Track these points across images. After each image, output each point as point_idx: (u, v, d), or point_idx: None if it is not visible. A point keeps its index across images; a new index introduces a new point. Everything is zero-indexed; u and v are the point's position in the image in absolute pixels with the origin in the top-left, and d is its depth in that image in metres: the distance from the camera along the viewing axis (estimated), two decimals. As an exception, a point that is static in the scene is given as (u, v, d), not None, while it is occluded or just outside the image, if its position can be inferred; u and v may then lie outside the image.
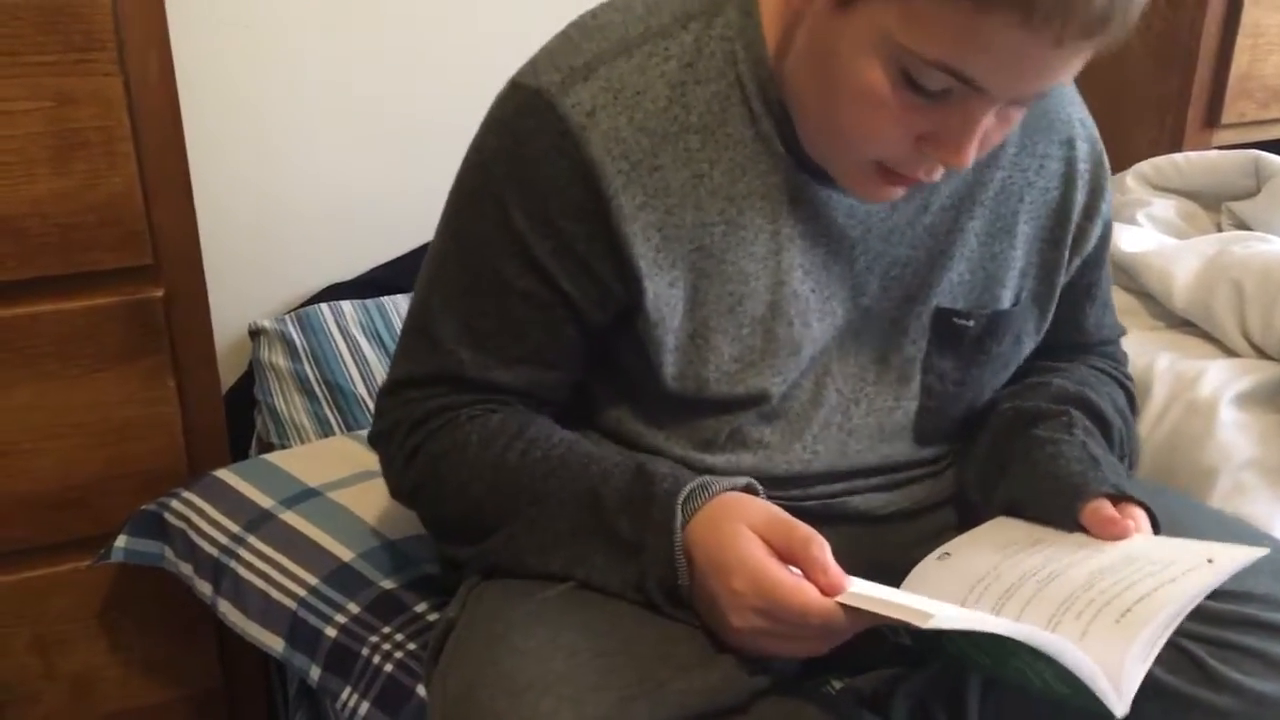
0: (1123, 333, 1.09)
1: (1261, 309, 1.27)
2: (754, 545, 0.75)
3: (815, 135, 0.82)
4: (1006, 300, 0.94)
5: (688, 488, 0.79)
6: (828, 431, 0.92)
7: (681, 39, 0.83)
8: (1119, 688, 0.68)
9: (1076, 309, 1.01)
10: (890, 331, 0.92)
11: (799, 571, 0.74)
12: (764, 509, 0.78)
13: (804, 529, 0.76)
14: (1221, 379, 1.23)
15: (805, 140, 0.83)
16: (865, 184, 0.82)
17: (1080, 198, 0.94)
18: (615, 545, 0.81)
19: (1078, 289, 1.00)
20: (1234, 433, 1.19)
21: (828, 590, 0.72)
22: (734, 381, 0.88)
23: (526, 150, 0.82)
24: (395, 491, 0.95)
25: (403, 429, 0.90)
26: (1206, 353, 1.31)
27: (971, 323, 0.92)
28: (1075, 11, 0.67)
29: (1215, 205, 1.57)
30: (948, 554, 0.87)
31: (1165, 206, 1.55)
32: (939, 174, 0.80)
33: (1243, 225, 1.51)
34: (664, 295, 0.84)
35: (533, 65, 0.84)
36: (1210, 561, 0.75)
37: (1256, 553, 0.76)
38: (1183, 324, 1.37)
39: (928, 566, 0.86)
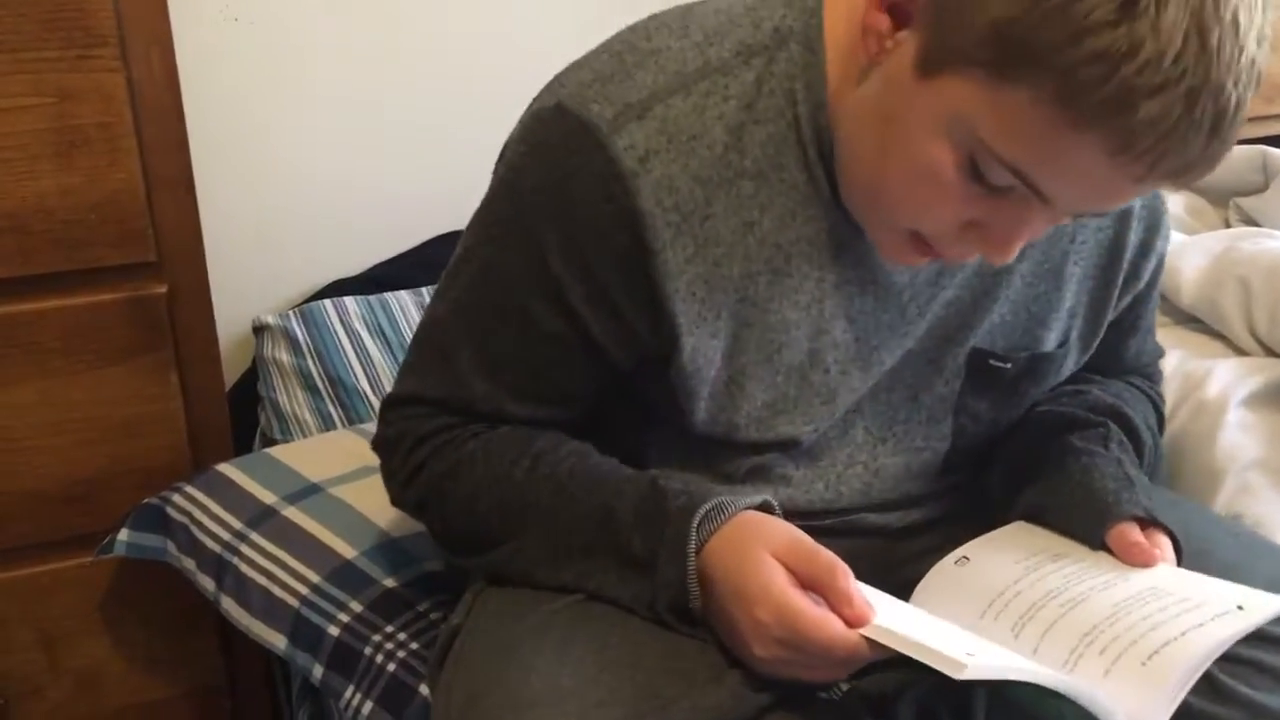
0: (1161, 355, 1.05)
1: (1269, 306, 1.26)
2: (777, 574, 0.73)
3: (857, 189, 0.78)
4: (1050, 342, 0.90)
5: (703, 510, 0.77)
6: (852, 471, 0.90)
7: (743, 77, 0.77)
8: None
9: (1119, 341, 0.98)
10: (925, 370, 0.88)
11: (821, 598, 0.73)
12: (785, 533, 0.76)
13: (827, 556, 0.73)
14: (1229, 379, 1.23)
15: (844, 191, 0.79)
16: (894, 248, 0.78)
17: (1134, 236, 0.90)
18: (627, 563, 0.79)
19: (1124, 324, 0.96)
20: (1241, 433, 1.19)
21: (853, 622, 0.70)
22: (764, 428, 0.85)
23: (571, 190, 0.77)
24: (396, 502, 0.93)
25: (406, 443, 0.88)
26: (1213, 350, 1.31)
27: (1009, 365, 0.89)
28: (1169, 157, 0.64)
29: (1223, 201, 1.56)
30: (966, 559, 0.85)
31: (1173, 202, 1.54)
32: (973, 258, 0.78)
33: (1250, 221, 1.51)
34: (703, 348, 0.81)
35: (580, 90, 0.77)
36: (1240, 609, 0.74)
37: None
38: (1189, 320, 1.36)
39: (944, 570, 0.85)
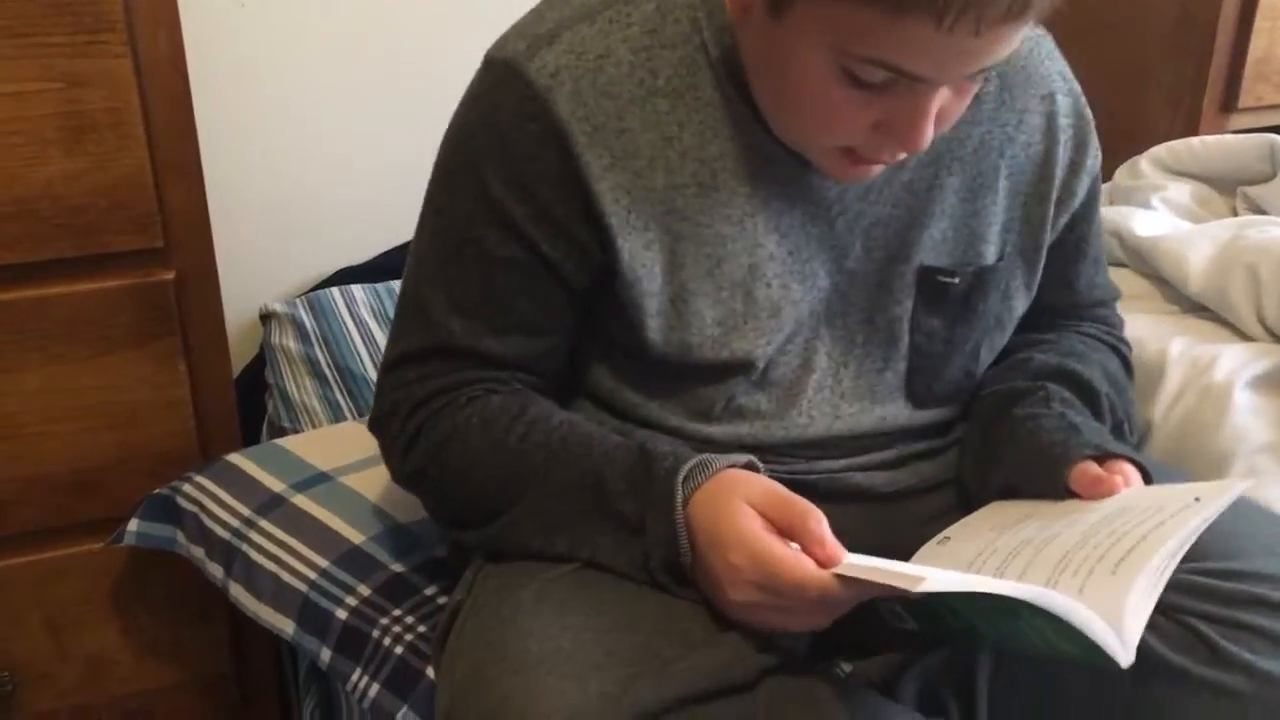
0: (1117, 295, 1.08)
1: (1277, 293, 1.26)
2: (751, 520, 0.76)
3: (775, 120, 0.83)
4: (990, 256, 0.94)
5: (687, 465, 0.80)
6: (820, 396, 0.93)
7: (643, 7, 0.84)
8: (1121, 636, 0.67)
9: (1066, 267, 1.01)
10: (875, 293, 0.92)
11: (798, 546, 0.75)
12: (762, 484, 0.78)
13: (801, 503, 0.76)
14: (1236, 363, 1.22)
15: (769, 122, 0.84)
16: (835, 166, 0.83)
17: (1064, 153, 0.95)
18: (619, 526, 0.81)
19: (1066, 246, 1.00)
20: (1249, 417, 1.18)
21: (824, 562, 0.73)
22: (718, 346, 0.88)
23: (499, 119, 0.84)
24: (396, 476, 0.95)
25: (402, 412, 0.90)
26: (1221, 337, 1.30)
27: (956, 280, 0.92)
28: (986, 5, 0.67)
29: (1231, 190, 1.55)
30: (947, 538, 0.87)
31: (1180, 190, 1.53)
32: (901, 156, 0.81)
33: (1258, 210, 1.50)
34: (640, 256, 0.85)
35: (501, 39, 0.87)
36: (1197, 500, 0.75)
37: (1241, 485, 0.77)
38: (1197, 309, 1.36)
39: (928, 551, 0.86)
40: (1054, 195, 0.95)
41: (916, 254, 0.92)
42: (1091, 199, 0.99)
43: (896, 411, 0.96)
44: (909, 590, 0.66)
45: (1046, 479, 0.85)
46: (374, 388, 0.95)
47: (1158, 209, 1.49)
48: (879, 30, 0.70)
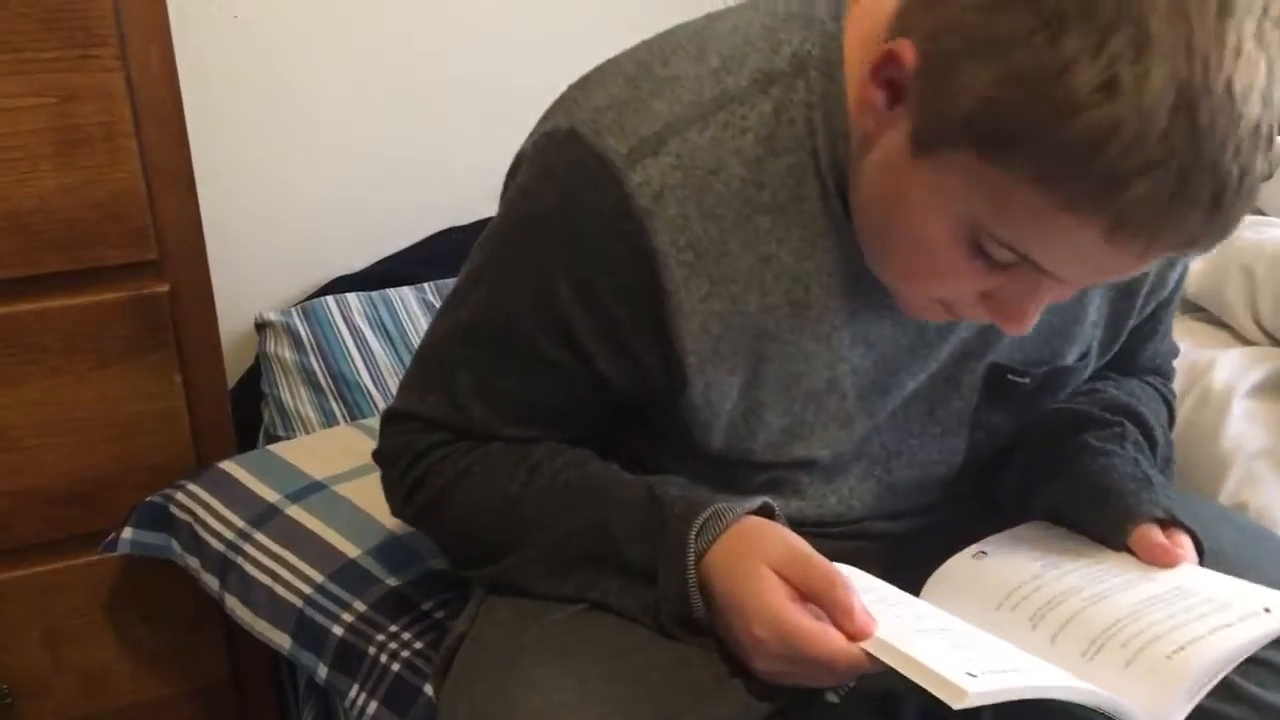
0: (1176, 354, 1.03)
1: (1273, 295, 1.25)
2: (774, 590, 0.72)
3: (871, 254, 0.76)
4: (1071, 355, 0.88)
5: (700, 518, 0.76)
6: (866, 485, 0.89)
7: (761, 107, 0.75)
8: None
9: (1138, 345, 0.96)
10: (942, 387, 0.87)
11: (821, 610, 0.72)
12: (782, 543, 0.75)
13: (823, 566, 0.73)
14: (1234, 369, 1.22)
15: (864, 251, 0.76)
16: (919, 310, 0.76)
17: None
18: (627, 573, 0.78)
19: (1144, 330, 0.94)
20: (1246, 423, 1.18)
21: (854, 636, 0.70)
22: (780, 451, 0.84)
23: (583, 223, 0.74)
24: (397, 514, 0.93)
25: (405, 458, 0.88)
26: (1218, 339, 1.30)
27: (1028, 380, 0.87)
28: (1167, 234, 0.61)
29: (1227, 190, 1.55)
30: (984, 553, 0.85)
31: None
32: (990, 320, 0.74)
33: (1255, 210, 1.50)
34: (717, 384, 0.79)
35: (595, 115, 0.74)
36: (1268, 611, 0.74)
37: None
38: (1193, 310, 1.36)
39: (961, 563, 0.85)
40: (1147, 289, 0.89)
41: (992, 352, 0.86)
42: (1179, 284, 0.93)
43: (937, 495, 0.92)
44: (950, 704, 0.64)
45: (1108, 523, 0.82)
46: (374, 403, 0.93)
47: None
48: (1040, 219, 0.62)
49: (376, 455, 0.92)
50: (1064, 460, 0.88)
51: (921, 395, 0.87)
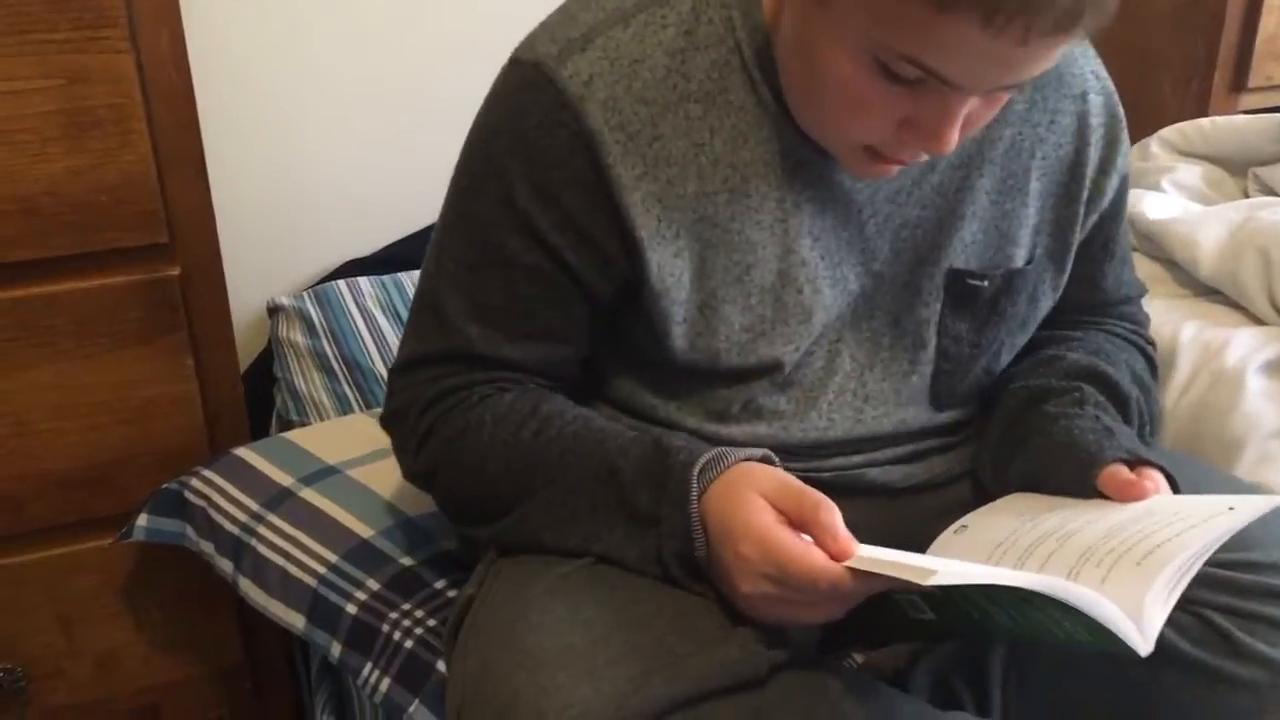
0: (1143, 291, 1.06)
1: (1290, 276, 1.25)
2: (763, 511, 0.75)
3: (803, 115, 0.82)
4: (1020, 259, 0.92)
5: (703, 459, 0.79)
6: (842, 399, 0.91)
7: (679, 7, 0.82)
8: (1141, 626, 0.67)
9: (1094, 266, 1.00)
10: (903, 295, 0.91)
11: (810, 538, 0.74)
12: (775, 476, 0.78)
13: (814, 494, 0.75)
14: (1248, 348, 1.21)
15: (796, 116, 0.82)
16: (857, 163, 0.81)
17: (1095, 153, 0.93)
18: (633, 519, 0.80)
19: (1094, 245, 0.98)
20: (1261, 402, 1.18)
21: (836, 555, 0.72)
22: (746, 352, 0.87)
23: (526, 124, 0.82)
24: (409, 473, 0.94)
25: (415, 410, 0.90)
26: (1233, 321, 1.30)
27: (986, 283, 0.91)
28: (1039, 12, 0.65)
29: (1242, 171, 1.54)
30: (965, 526, 0.86)
31: (1191, 172, 1.52)
32: (923, 157, 0.80)
33: (1269, 191, 1.49)
34: (668, 266, 0.84)
35: (530, 40, 0.84)
36: (1232, 509, 0.74)
37: (1277, 500, 0.75)
38: (1209, 292, 1.35)
39: (946, 539, 0.86)
40: (1084, 195, 0.93)
41: (946, 257, 0.90)
42: (1120, 197, 0.97)
43: (918, 414, 0.94)
44: (920, 584, 0.65)
45: (1075, 477, 0.84)
46: (385, 385, 0.94)
47: (1168, 191, 1.48)
48: (922, 25, 0.67)
49: (384, 418, 0.94)
50: (1028, 434, 0.90)
51: (884, 306, 0.90)
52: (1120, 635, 0.66)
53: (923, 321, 0.92)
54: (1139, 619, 0.67)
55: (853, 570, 0.71)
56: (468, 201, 0.87)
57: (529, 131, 0.82)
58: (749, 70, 0.82)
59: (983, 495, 0.95)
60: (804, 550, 0.72)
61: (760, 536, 0.74)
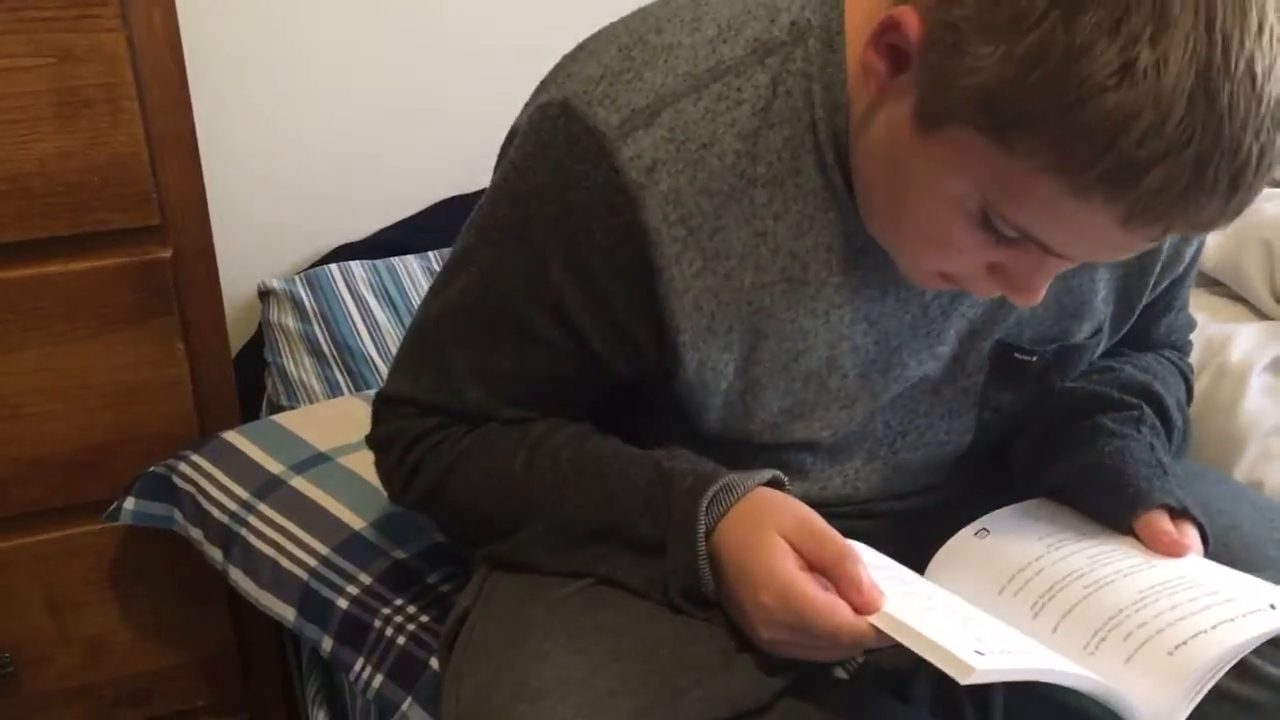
0: (1193, 327, 1.01)
1: (1294, 271, 1.24)
2: (783, 557, 0.71)
3: (879, 231, 0.75)
4: (1082, 333, 0.86)
5: (710, 491, 0.75)
6: (872, 465, 0.87)
7: (757, 78, 0.72)
8: None
9: (1152, 321, 0.94)
10: (948, 365, 0.85)
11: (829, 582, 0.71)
12: (794, 512, 0.74)
13: (836, 541, 0.72)
14: (1252, 344, 1.21)
15: (866, 222, 0.75)
16: (927, 280, 0.75)
17: None
18: (636, 548, 0.78)
19: (1158, 305, 0.92)
20: (1263, 399, 1.17)
21: (861, 610, 0.69)
22: (780, 432, 0.82)
23: (574, 199, 0.73)
24: (396, 502, 0.92)
25: (400, 444, 0.86)
26: (1235, 314, 1.29)
27: (1034, 358, 0.85)
28: (1183, 219, 0.60)
29: (1246, 163, 1.53)
30: (985, 530, 0.84)
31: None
32: (998, 293, 0.73)
33: (1274, 182, 1.48)
34: (711, 361, 0.78)
35: (586, 87, 0.73)
36: (1273, 607, 0.72)
37: None
38: (1211, 283, 1.34)
39: (963, 541, 0.84)
40: (1159, 265, 0.86)
41: (998, 329, 0.84)
42: (1195, 258, 0.90)
43: (945, 476, 0.91)
44: (956, 679, 0.63)
45: (1115, 507, 0.81)
46: (378, 373, 0.92)
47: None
48: (1050, 204, 0.61)
49: (370, 440, 0.91)
50: (1077, 440, 0.86)
51: (926, 375, 0.85)
52: None
53: (964, 391, 0.86)
54: (1162, 716, 0.67)
55: (876, 628, 0.69)
56: (492, 256, 0.79)
57: (576, 206, 0.73)
58: (822, 151, 0.73)
59: (999, 501, 0.93)
60: (828, 605, 0.69)
61: (783, 588, 0.70)
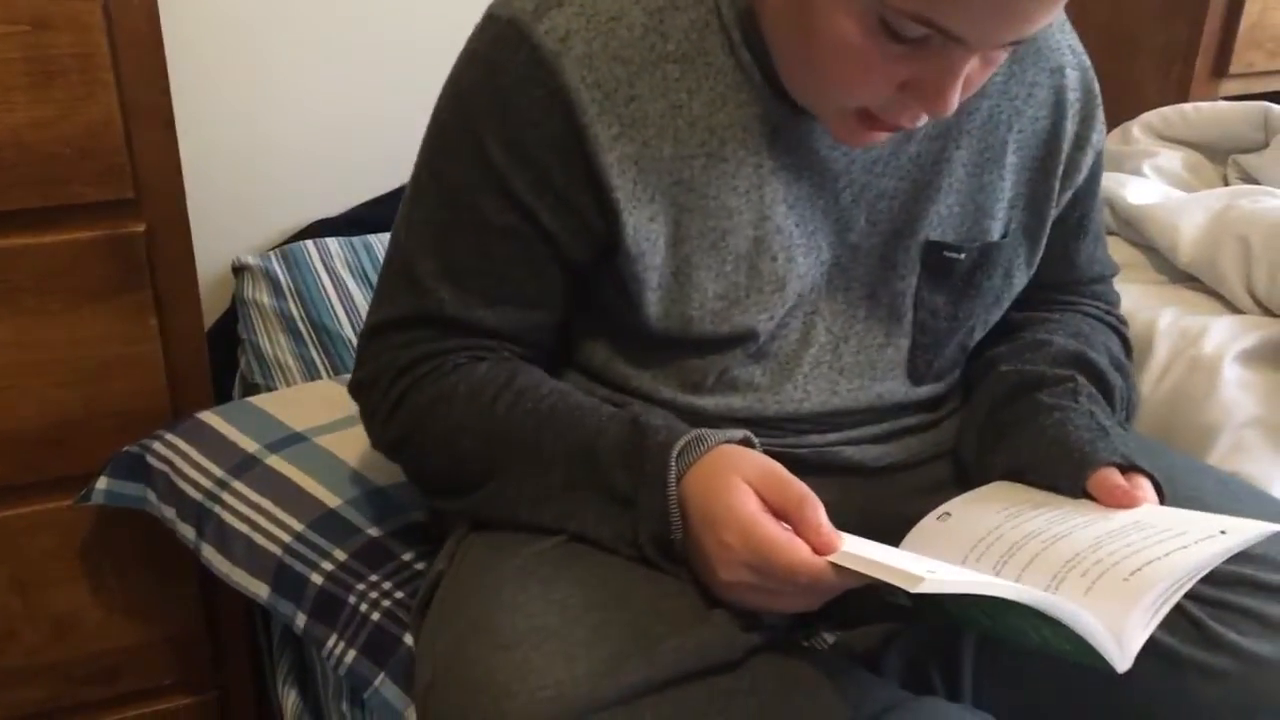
0: (1115, 270, 1.06)
1: (1268, 265, 1.25)
2: (747, 498, 0.74)
3: (794, 79, 0.80)
4: (996, 232, 0.92)
5: (682, 440, 0.78)
6: (818, 371, 0.91)
7: None
8: (1122, 643, 0.67)
9: (1068, 243, 0.99)
10: (879, 267, 0.90)
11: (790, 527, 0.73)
12: (759, 461, 0.77)
13: (798, 487, 0.74)
14: (1225, 336, 1.21)
15: (785, 81, 0.81)
16: (847, 129, 0.80)
17: (1070, 127, 0.92)
18: (609, 499, 0.79)
19: (1069, 222, 0.98)
20: (1237, 390, 1.18)
21: (819, 549, 0.71)
22: (719, 320, 0.86)
23: (501, 81, 0.80)
24: (378, 443, 0.92)
25: (386, 377, 0.88)
26: (1211, 309, 1.30)
27: (962, 255, 0.90)
28: None
29: (1222, 158, 1.54)
30: (948, 514, 0.85)
31: (1171, 158, 1.52)
32: (922, 120, 0.78)
33: (1249, 179, 1.49)
34: (644, 230, 0.83)
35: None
36: (1223, 533, 0.74)
37: (1271, 528, 0.75)
38: (1187, 279, 1.35)
39: (927, 526, 0.85)
40: (1060, 170, 0.93)
41: (922, 228, 0.89)
42: (1095, 174, 0.97)
43: (894, 388, 0.94)
44: (906, 589, 0.64)
45: (1066, 475, 0.83)
46: (355, 350, 0.92)
47: (1149, 176, 1.48)
48: None
49: (354, 386, 0.92)
50: (1018, 421, 0.90)
51: (860, 277, 0.90)
52: (1100, 650, 0.66)
53: (898, 294, 0.91)
54: (1120, 636, 0.67)
55: (834, 565, 0.70)
56: (440, 160, 0.85)
57: (504, 89, 0.80)
58: (728, 31, 0.81)
59: (960, 475, 0.95)
60: (787, 542, 0.71)
61: (744, 525, 0.73)
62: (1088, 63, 0.94)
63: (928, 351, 0.94)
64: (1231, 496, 0.91)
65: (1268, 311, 1.26)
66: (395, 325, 0.88)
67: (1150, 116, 1.56)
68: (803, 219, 0.86)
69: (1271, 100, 1.53)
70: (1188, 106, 1.56)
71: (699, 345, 0.87)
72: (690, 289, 0.85)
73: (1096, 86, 0.94)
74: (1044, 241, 0.95)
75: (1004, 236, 0.93)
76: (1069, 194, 0.95)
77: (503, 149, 0.81)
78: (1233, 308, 1.29)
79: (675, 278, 0.85)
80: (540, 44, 0.79)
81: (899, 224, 0.89)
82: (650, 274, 0.84)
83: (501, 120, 0.81)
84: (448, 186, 0.85)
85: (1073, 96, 0.92)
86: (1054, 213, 0.95)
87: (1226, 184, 1.50)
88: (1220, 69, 1.74)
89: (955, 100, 0.74)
